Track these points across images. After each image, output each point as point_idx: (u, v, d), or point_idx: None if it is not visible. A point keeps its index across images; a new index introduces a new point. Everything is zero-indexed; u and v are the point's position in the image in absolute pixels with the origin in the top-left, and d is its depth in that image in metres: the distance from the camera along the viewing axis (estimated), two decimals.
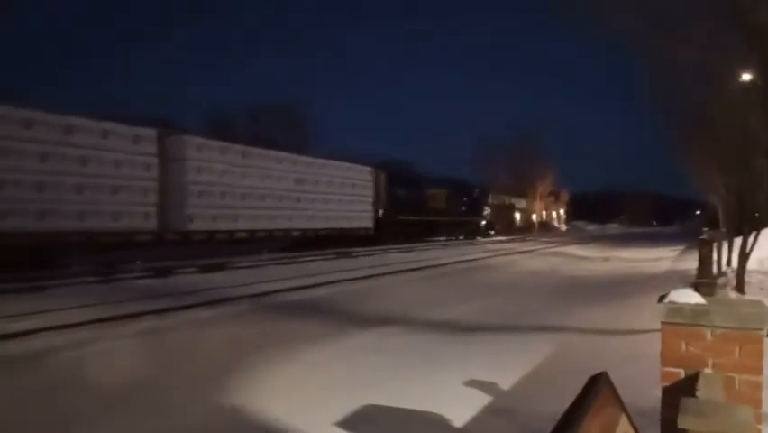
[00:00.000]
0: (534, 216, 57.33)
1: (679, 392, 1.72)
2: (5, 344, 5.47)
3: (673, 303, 1.89)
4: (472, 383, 4.18)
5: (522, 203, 54.61)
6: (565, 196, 69.36)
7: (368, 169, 23.54)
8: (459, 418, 3.48)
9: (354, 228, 22.27)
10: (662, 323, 1.88)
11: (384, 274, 12.52)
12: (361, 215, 22.66)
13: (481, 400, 3.84)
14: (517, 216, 52.72)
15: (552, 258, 19.13)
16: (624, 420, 1.66)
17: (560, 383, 3.70)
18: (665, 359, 1.87)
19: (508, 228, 43.81)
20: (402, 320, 7.02)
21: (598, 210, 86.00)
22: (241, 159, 17.23)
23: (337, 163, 21.90)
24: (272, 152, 19.13)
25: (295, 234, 19.34)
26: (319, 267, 13.99)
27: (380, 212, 23.76)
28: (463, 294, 9.80)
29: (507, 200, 49.41)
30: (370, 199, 23.32)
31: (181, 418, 3.58)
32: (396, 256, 18.10)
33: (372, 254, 18.59)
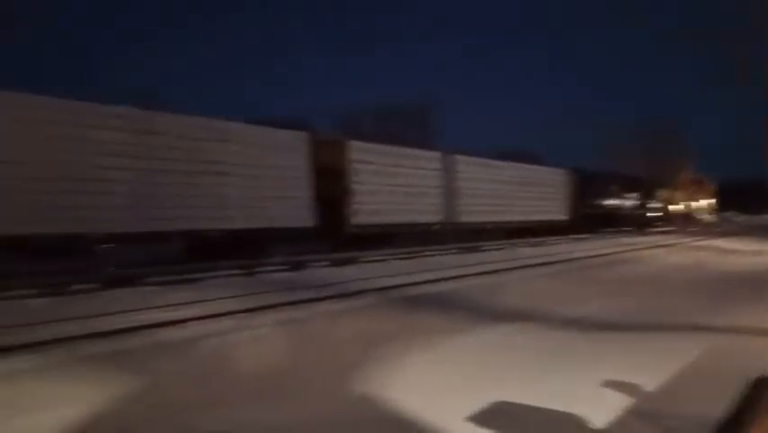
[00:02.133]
0: (674, 207, 53.02)
1: None
2: (167, 330, 6.13)
3: None
4: (610, 384, 3.95)
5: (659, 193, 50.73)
6: (709, 184, 63.31)
7: (562, 171, 28.95)
8: (597, 419, 3.31)
9: (554, 220, 27.42)
10: None
11: (512, 269, 12.25)
12: (558, 209, 28.01)
13: (621, 401, 3.63)
14: None
15: (696, 252, 17.57)
16: None
17: (710, 388, 3.40)
18: None
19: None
20: (531, 316, 6.82)
21: (749, 199, 77.45)
22: (485, 168, 23.04)
23: (541, 168, 27.48)
24: (504, 163, 24.68)
25: (515, 225, 24.49)
26: (444, 261, 14.01)
27: (571, 206, 28.82)
28: (598, 290, 9.31)
29: None
30: (565, 196, 28.56)
31: (316, 403, 3.75)
32: (526, 250, 17.66)
33: (501, 249, 18.35)
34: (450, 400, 3.72)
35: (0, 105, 11.19)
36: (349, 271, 11.85)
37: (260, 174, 14.95)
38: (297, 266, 12.60)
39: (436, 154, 20.77)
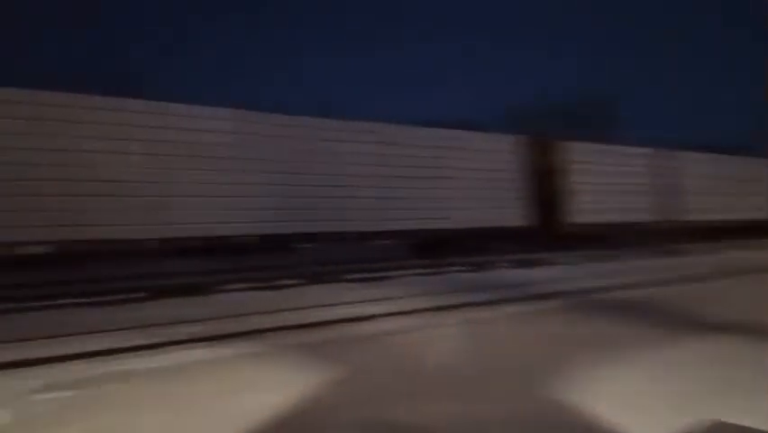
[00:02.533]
0: None
1: None
2: (360, 325, 6.58)
3: None
4: None
5: None
6: None
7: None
8: None
9: (755, 219, 25.12)
10: None
11: (724, 276, 10.87)
12: (757, 206, 25.52)
13: None
14: None
15: None
16: None
17: None
18: None
19: None
20: (745, 329, 5.99)
21: None
22: (704, 164, 22.46)
23: (740, 159, 25.13)
24: (726, 156, 23.45)
25: (735, 224, 23.21)
26: (643, 265, 12.93)
27: None
28: None
29: None
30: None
31: (509, 406, 3.70)
32: (744, 254, 15.57)
33: (712, 252, 16.45)
34: (654, 418, 3.43)
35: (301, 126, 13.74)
36: (534, 273, 11.54)
37: (478, 177, 15.96)
38: (484, 266, 12.65)
39: (649, 150, 20.33)
